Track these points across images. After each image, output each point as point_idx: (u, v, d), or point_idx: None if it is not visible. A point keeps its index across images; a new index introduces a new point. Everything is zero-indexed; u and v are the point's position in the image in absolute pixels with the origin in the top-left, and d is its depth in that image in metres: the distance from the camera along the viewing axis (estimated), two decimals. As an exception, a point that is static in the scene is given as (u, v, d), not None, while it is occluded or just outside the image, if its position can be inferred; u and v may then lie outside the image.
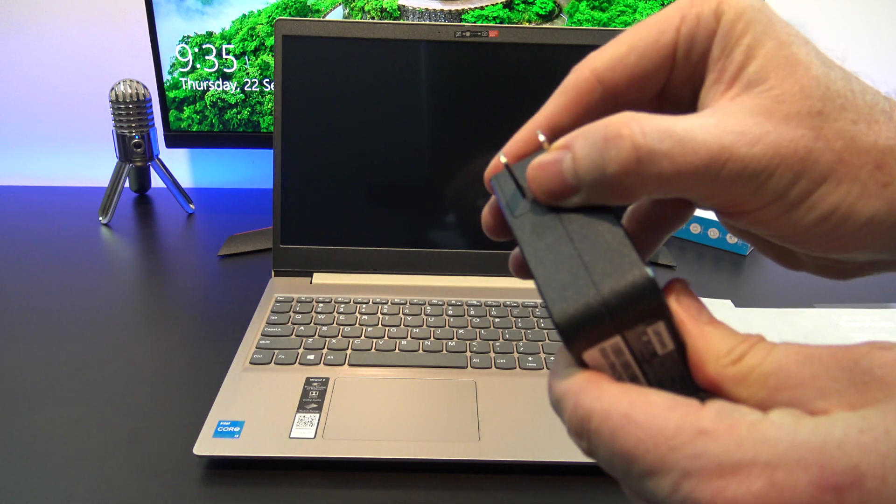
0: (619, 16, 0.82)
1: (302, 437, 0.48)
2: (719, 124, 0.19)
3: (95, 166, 1.04)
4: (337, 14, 0.82)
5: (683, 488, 0.17)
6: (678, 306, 0.20)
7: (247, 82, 0.85)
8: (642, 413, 0.18)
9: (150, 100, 0.88)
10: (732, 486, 0.16)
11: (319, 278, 0.70)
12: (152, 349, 0.62)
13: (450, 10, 0.81)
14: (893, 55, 1.03)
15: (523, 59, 0.69)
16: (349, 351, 0.58)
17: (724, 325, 0.20)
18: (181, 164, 1.07)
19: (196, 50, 0.84)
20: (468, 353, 0.58)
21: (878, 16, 1.00)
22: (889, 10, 1.00)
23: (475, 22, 0.82)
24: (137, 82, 0.87)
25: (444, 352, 0.58)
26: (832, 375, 0.18)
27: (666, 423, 0.18)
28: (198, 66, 0.84)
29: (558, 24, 0.82)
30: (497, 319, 0.63)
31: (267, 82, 0.85)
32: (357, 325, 0.62)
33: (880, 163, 0.19)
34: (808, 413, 0.17)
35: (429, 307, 0.65)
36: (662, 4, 0.81)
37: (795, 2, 0.99)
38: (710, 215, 0.87)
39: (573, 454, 0.46)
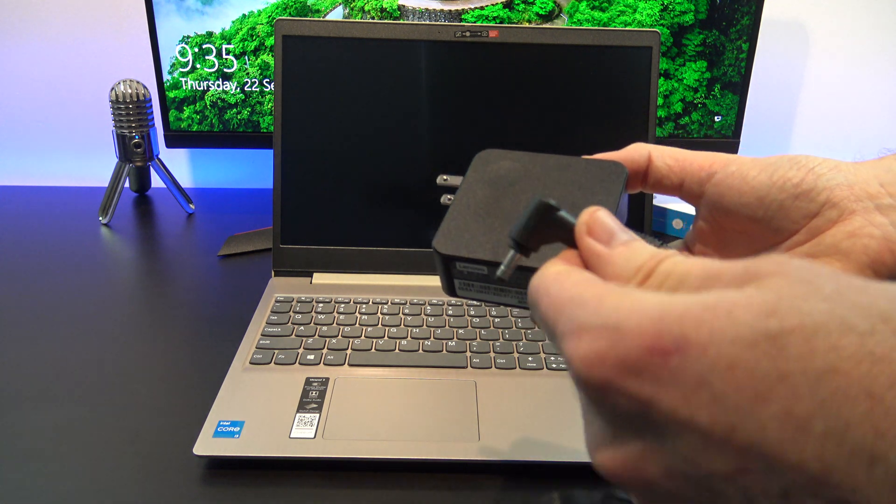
0: (619, 16, 0.82)
1: (302, 437, 0.48)
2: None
3: (95, 166, 1.04)
4: (337, 14, 0.82)
5: (562, 345, 0.21)
6: (585, 237, 0.25)
7: (247, 82, 0.85)
8: (556, 287, 0.23)
9: (150, 100, 0.88)
10: (584, 344, 0.20)
11: (319, 278, 0.70)
12: (152, 349, 0.62)
13: (450, 10, 0.81)
14: (893, 56, 1.03)
15: (523, 59, 0.69)
16: (349, 351, 0.58)
17: (635, 243, 0.24)
18: (181, 164, 1.07)
19: (196, 50, 0.84)
20: (468, 353, 0.58)
21: (880, 17, 1.00)
22: (889, 11, 1.00)
23: (475, 22, 0.82)
24: (137, 82, 0.87)
25: (444, 352, 0.58)
26: (729, 274, 0.20)
27: (565, 294, 0.22)
28: (198, 66, 0.84)
29: (558, 24, 0.82)
30: (497, 319, 0.63)
31: (267, 82, 0.85)
32: (357, 325, 0.62)
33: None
34: None
35: (429, 307, 0.65)
36: (662, 5, 0.81)
37: (796, 2, 1.00)
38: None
39: (573, 454, 0.46)
